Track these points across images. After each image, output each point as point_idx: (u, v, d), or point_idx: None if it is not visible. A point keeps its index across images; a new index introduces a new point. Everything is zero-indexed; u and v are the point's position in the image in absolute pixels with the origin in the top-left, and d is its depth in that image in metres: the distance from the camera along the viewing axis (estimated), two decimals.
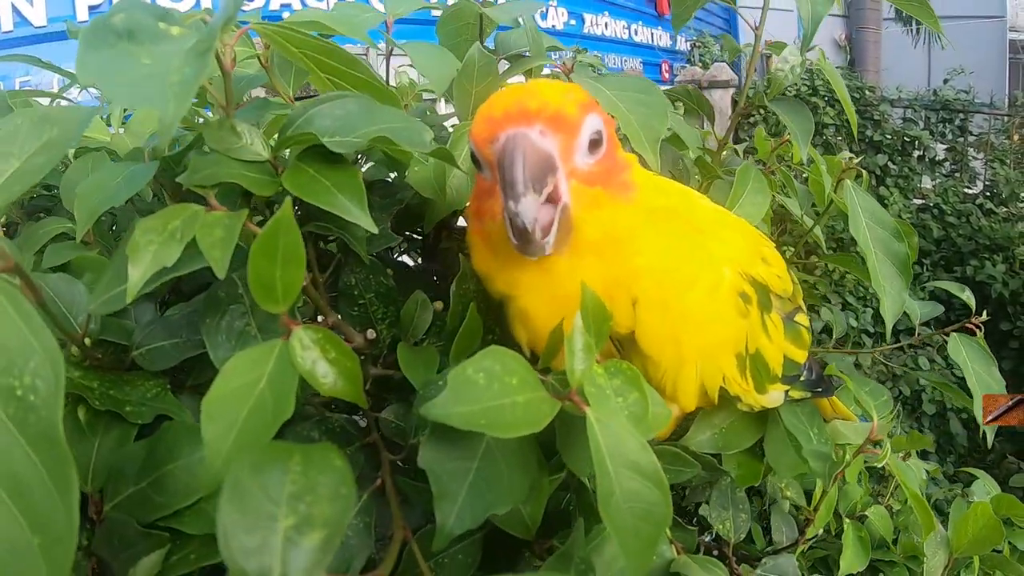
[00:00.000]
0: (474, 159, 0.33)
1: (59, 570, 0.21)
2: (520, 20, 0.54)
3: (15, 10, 2.61)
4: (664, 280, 0.33)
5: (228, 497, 0.18)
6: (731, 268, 0.35)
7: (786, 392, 0.41)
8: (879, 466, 0.63)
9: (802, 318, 0.42)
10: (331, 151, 0.32)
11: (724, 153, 0.71)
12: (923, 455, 2.56)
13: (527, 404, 0.26)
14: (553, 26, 4.18)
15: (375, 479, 0.33)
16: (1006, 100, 4.92)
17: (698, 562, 0.38)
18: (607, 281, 0.31)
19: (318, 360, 0.27)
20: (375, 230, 0.30)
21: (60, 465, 0.22)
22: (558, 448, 0.30)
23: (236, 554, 0.17)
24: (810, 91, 3.80)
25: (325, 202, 0.31)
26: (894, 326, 0.64)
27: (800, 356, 0.41)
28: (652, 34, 5.14)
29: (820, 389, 0.43)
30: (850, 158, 0.64)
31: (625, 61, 4.84)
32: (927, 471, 0.82)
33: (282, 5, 3.26)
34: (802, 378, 0.41)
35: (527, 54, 0.53)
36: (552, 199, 0.30)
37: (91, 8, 2.74)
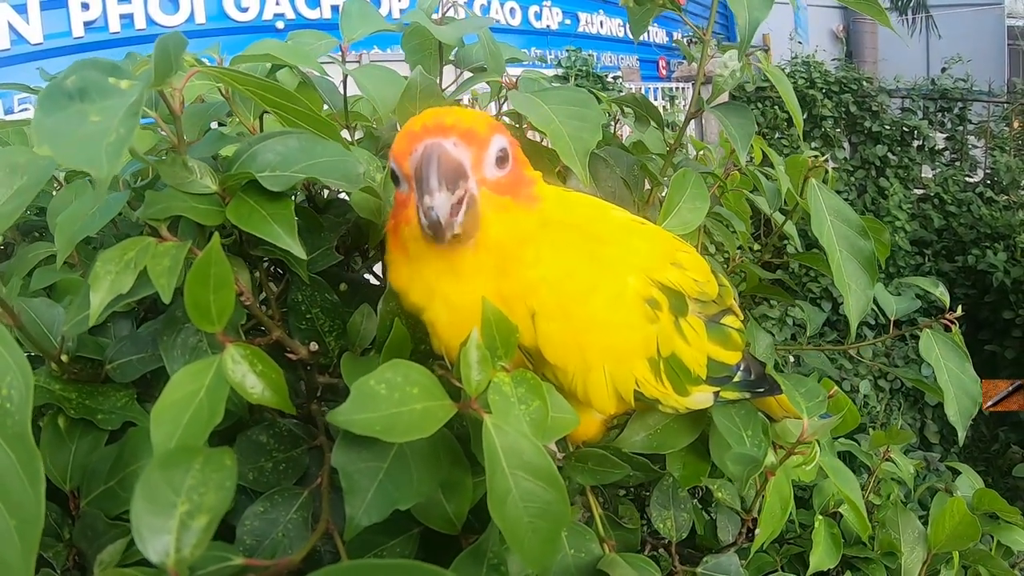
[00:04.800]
0: (393, 177, 0.35)
1: (29, 546, 0.25)
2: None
3: (12, 28, 2.60)
4: (561, 289, 0.35)
5: (141, 488, 0.22)
6: (637, 275, 0.37)
7: (716, 393, 0.42)
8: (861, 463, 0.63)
9: (732, 320, 0.43)
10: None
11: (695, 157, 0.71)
12: (927, 446, 2.49)
13: (424, 411, 0.28)
14: (548, 26, 4.17)
15: (318, 478, 0.37)
16: (1005, 87, 4.77)
17: (628, 560, 0.39)
18: (504, 294, 0.34)
19: (247, 373, 0.31)
20: (304, 256, 0.34)
21: (30, 460, 0.26)
22: (472, 450, 0.33)
23: (143, 532, 0.21)
24: (807, 83, 3.77)
25: (262, 231, 0.34)
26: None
27: (730, 357, 0.42)
28: (648, 31, 5.05)
29: (762, 389, 0.45)
30: (815, 156, 0.64)
31: (621, 59, 4.80)
32: (913, 465, 0.81)
33: (275, 15, 3.30)
34: (736, 379, 0.43)
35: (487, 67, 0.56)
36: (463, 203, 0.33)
37: (86, 24, 2.73)
